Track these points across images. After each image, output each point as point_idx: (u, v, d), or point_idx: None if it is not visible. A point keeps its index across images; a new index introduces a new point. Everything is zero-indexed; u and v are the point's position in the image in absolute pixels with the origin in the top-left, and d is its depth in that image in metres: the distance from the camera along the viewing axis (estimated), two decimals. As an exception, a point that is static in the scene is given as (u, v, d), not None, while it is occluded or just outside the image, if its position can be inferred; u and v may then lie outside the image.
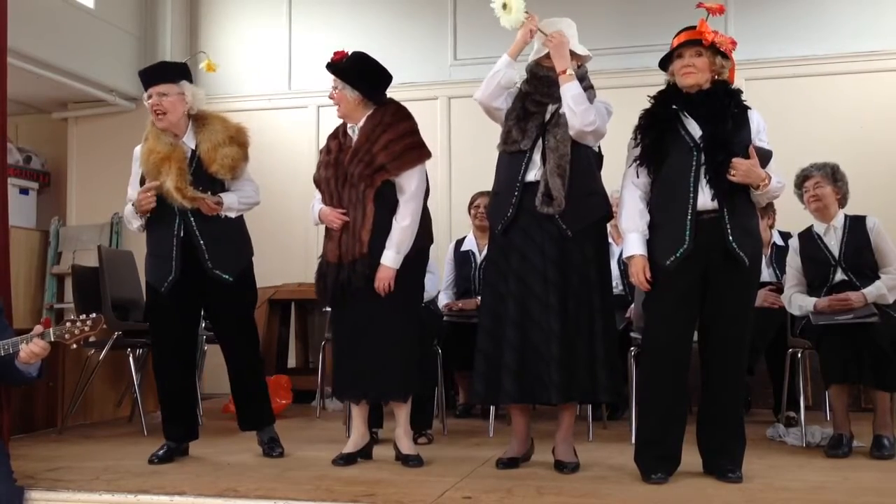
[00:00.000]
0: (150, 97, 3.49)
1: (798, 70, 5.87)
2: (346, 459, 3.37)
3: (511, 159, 3.25)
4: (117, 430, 4.51)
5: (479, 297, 3.74)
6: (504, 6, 3.19)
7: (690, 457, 3.07)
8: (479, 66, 5.73)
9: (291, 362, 6.20)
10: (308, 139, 6.42)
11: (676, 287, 3.00)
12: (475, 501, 2.71)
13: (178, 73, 3.57)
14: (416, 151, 3.37)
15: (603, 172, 3.34)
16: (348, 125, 3.46)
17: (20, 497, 2.88)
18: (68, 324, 2.85)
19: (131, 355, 4.50)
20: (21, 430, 4.23)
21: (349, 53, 3.44)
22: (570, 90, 3.15)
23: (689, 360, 3.04)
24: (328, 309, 4.81)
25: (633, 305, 4.36)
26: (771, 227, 4.66)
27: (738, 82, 3.19)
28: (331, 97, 3.46)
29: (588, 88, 3.24)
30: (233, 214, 3.55)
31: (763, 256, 4.42)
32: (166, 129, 3.48)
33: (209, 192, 3.45)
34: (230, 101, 6.20)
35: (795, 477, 3.12)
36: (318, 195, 3.50)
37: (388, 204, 3.34)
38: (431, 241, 3.54)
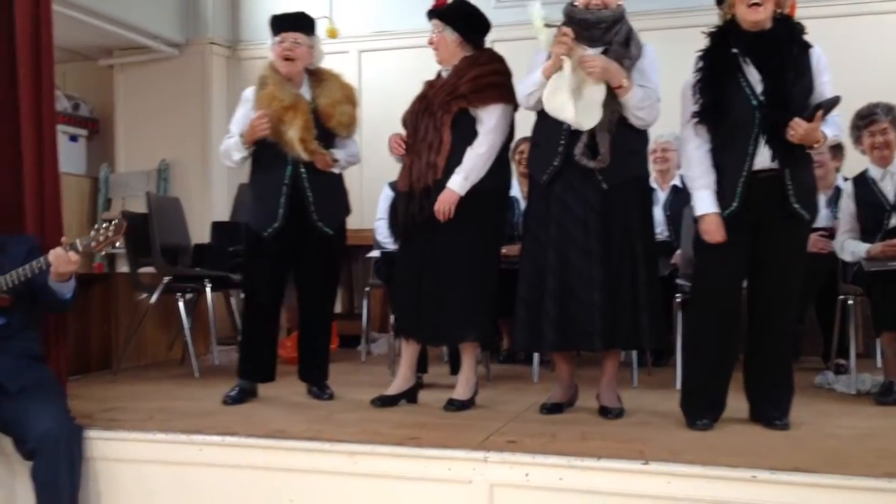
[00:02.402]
0: (282, 41, 3.48)
1: (849, 9, 5.64)
2: (384, 401, 3.42)
3: None
4: (169, 372, 4.62)
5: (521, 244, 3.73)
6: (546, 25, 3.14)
7: (737, 402, 3.06)
8: (524, 9, 5.63)
9: (337, 308, 6.26)
10: (351, 84, 6.38)
11: (727, 239, 2.93)
12: (519, 445, 2.73)
13: (312, 26, 3.61)
14: (500, 90, 3.34)
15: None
16: (443, 68, 3.46)
17: (79, 435, 2.99)
18: (92, 232, 2.93)
19: (181, 300, 4.58)
20: (77, 371, 4.36)
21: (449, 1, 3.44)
22: (632, 100, 3.07)
23: (738, 307, 3.00)
24: (372, 254, 4.88)
25: (678, 251, 4.32)
26: (838, 170, 4.56)
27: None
28: (430, 42, 3.45)
29: (629, 39, 3.15)
30: (338, 170, 3.59)
31: (823, 197, 4.34)
32: (288, 76, 3.49)
33: (331, 150, 3.50)
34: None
35: (844, 424, 3.09)
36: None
37: (466, 136, 3.31)
38: (508, 186, 3.52)
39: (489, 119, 3.32)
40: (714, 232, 2.93)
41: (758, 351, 3.02)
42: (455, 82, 3.34)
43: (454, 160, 3.30)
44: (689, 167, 3.04)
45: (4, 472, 3.14)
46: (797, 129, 2.81)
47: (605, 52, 3.12)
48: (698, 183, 2.98)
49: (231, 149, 3.56)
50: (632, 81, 3.07)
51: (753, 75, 2.90)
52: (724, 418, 3.02)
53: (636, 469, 2.55)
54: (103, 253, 3.02)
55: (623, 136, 3.11)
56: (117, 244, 2.97)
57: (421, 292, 3.36)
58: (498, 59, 3.43)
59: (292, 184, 3.48)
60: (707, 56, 2.99)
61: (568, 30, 3.09)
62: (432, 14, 3.45)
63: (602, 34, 3.14)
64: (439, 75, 3.48)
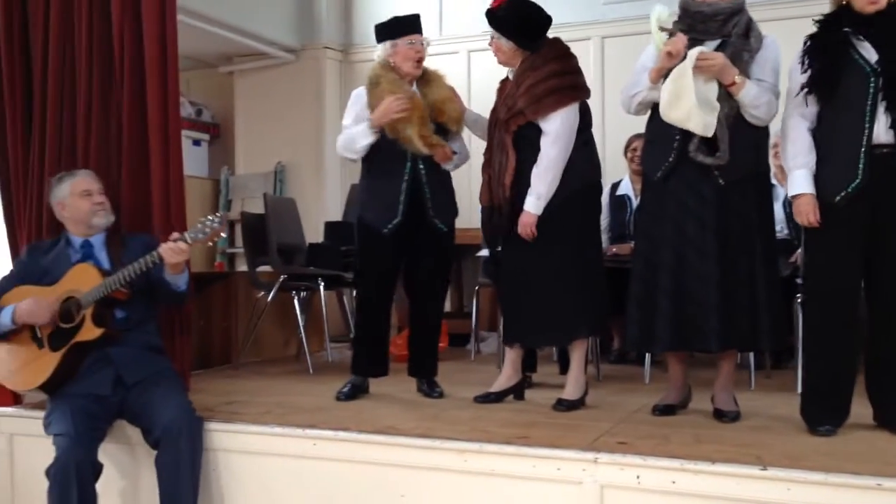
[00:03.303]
0: (411, 43, 3.56)
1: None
2: (486, 398, 3.46)
3: None
4: (285, 368, 4.77)
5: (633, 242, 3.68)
6: (661, 29, 3.07)
7: (860, 408, 2.92)
8: (634, 4, 5.54)
9: (446, 306, 6.31)
10: (459, 85, 6.32)
11: (844, 226, 2.79)
12: (631, 447, 2.69)
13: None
14: (557, 94, 3.28)
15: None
16: (508, 71, 3.46)
17: (200, 426, 3.12)
18: (198, 224, 3.05)
19: (296, 297, 4.72)
20: (200, 366, 4.56)
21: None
22: (746, 97, 2.98)
23: (857, 302, 2.85)
24: (481, 254, 4.90)
25: (800, 250, 4.15)
26: None
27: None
28: (490, 45, 3.46)
29: (748, 30, 3.04)
30: (450, 168, 3.65)
31: None
32: (411, 75, 3.57)
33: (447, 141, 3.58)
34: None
35: (980, 432, 2.91)
36: None
37: (534, 148, 3.30)
38: (595, 179, 3.45)
39: (550, 130, 3.28)
40: (810, 213, 2.80)
41: (880, 350, 2.87)
42: (514, 94, 3.33)
43: (520, 175, 3.31)
44: (787, 145, 2.91)
45: (129, 461, 3.30)
46: None
47: (722, 45, 3.04)
48: (797, 161, 2.85)
49: (357, 136, 3.54)
50: (744, 78, 2.98)
51: (867, 49, 2.77)
52: (847, 424, 2.88)
53: (753, 474, 2.47)
54: (210, 244, 3.14)
55: (741, 131, 3.01)
56: (223, 235, 3.08)
57: (523, 296, 3.37)
58: (554, 58, 3.35)
59: (411, 180, 3.54)
60: (815, 35, 2.87)
61: (682, 40, 3.00)
62: (487, 18, 3.42)
63: (719, 26, 3.06)
64: (507, 79, 3.47)
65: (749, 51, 3.03)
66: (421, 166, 3.55)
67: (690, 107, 2.92)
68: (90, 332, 3.09)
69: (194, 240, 3.06)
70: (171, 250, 3.04)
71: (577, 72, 3.38)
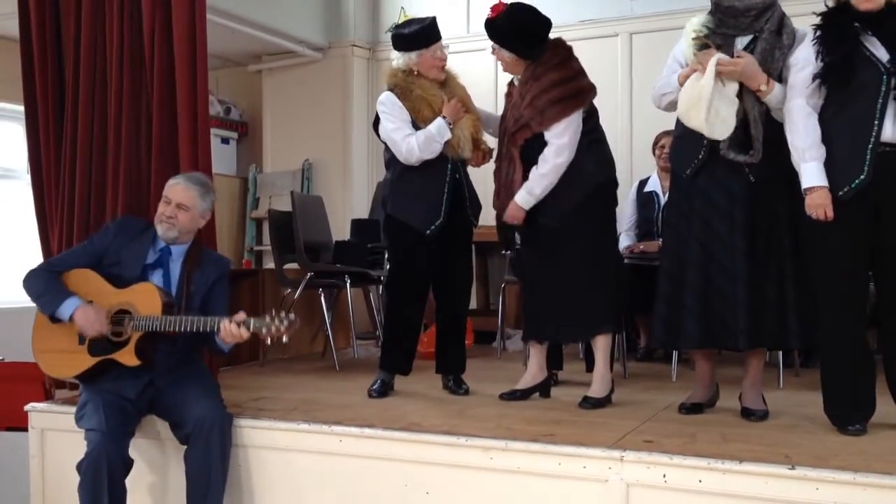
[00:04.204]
0: (436, 50, 3.57)
1: None
2: (512, 395, 3.47)
3: None
4: (312, 365, 4.80)
5: (661, 240, 3.67)
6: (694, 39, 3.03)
7: (886, 406, 2.88)
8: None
9: (473, 304, 6.30)
10: (487, 84, 6.32)
11: (847, 222, 2.75)
12: (657, 445, 2.68)
13: None
14: (560, 104, 3.28)
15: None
16: (514, 78, 3.48)
17: (230, 423, 3.15)
18: (267, 318, 2.98)
19: (322, 295, 4.74)
20: (228, 362, 4.58)
21: (506, 6, 3.39)
22: (773, 101, 2.95)
23: (867, 300, 2.82)
24: (507, 252, 4.90)
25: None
26: None
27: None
28: (493, 54, 3.48)
29: (781, 26, 3.01)
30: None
31: None
32: (437, 81, 3.59)
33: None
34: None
35: None
36: None
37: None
38: (607, 177, 3.43)
39: (553, 139, 3.29)
40: (827, 206, 2.75)
41: (892, 345, 2.83)
42: (519, 105, 3.35)
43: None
44: (796, 137, 2.83)
45: (158, 456, 3.34)
46: None
47: (754, 41, 3.01)
48: (809, 154, 2.79)
49: (438, 134, 3.47)
50: (772, 84, 2.94)
51: (876, 45, 2.73)
52: (878, 423, 2.85)
53: (781, 473, 2.45)
54: (269, 343, 3.08)
55: (773, 128, 2.98)
56: (284, 339, 3.02)
57: (543, 293, 3.39)
58: (556, 65, 3.34)
59: (452, 181, 3.57)
60: (826, 25, 2.83)
61: (715, 57, 2.96)
62: (486, 29, 3.42)
63: (751, 22, 3.02)
64: (512, 83, 3.49)
65: (781, 48, 2.99)
66: (460, 166, 3.60)
67: (703, 118, 2.92)
68: (129, 358, 3.07)
69: (257, 331, 3.00)
70: (231, 334, 3.00)
71: (579, 76, 3.37)
